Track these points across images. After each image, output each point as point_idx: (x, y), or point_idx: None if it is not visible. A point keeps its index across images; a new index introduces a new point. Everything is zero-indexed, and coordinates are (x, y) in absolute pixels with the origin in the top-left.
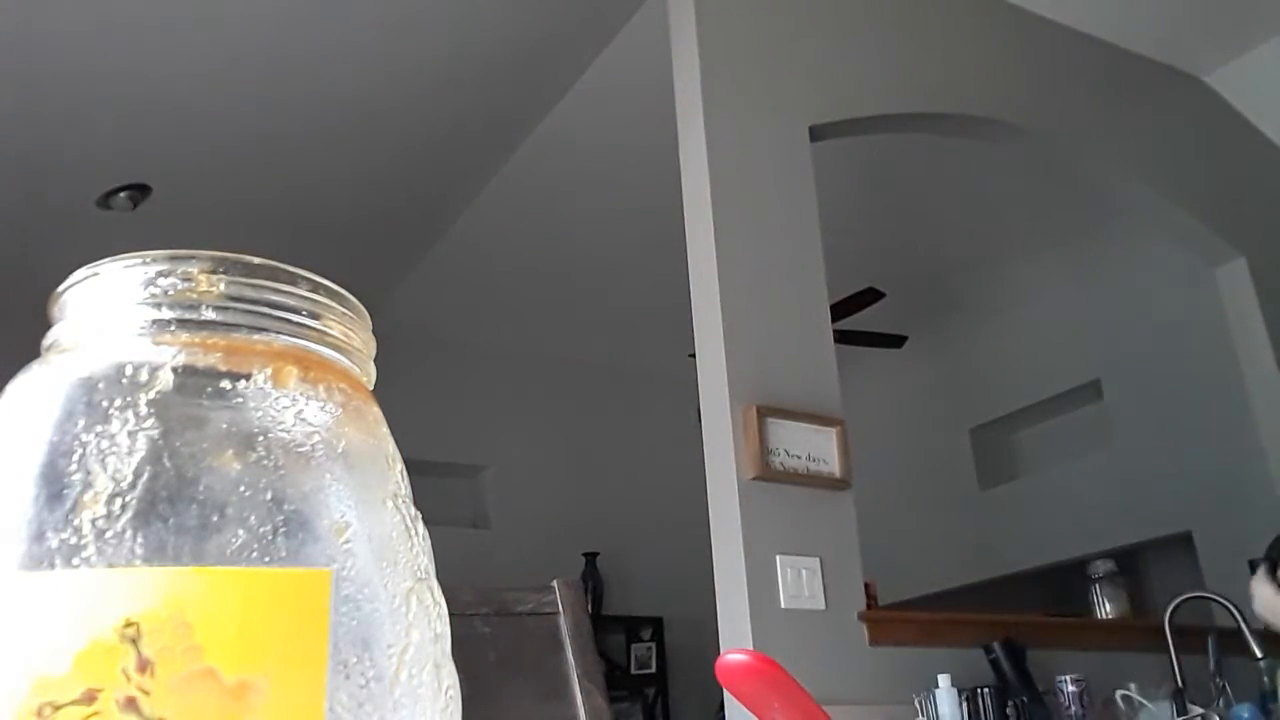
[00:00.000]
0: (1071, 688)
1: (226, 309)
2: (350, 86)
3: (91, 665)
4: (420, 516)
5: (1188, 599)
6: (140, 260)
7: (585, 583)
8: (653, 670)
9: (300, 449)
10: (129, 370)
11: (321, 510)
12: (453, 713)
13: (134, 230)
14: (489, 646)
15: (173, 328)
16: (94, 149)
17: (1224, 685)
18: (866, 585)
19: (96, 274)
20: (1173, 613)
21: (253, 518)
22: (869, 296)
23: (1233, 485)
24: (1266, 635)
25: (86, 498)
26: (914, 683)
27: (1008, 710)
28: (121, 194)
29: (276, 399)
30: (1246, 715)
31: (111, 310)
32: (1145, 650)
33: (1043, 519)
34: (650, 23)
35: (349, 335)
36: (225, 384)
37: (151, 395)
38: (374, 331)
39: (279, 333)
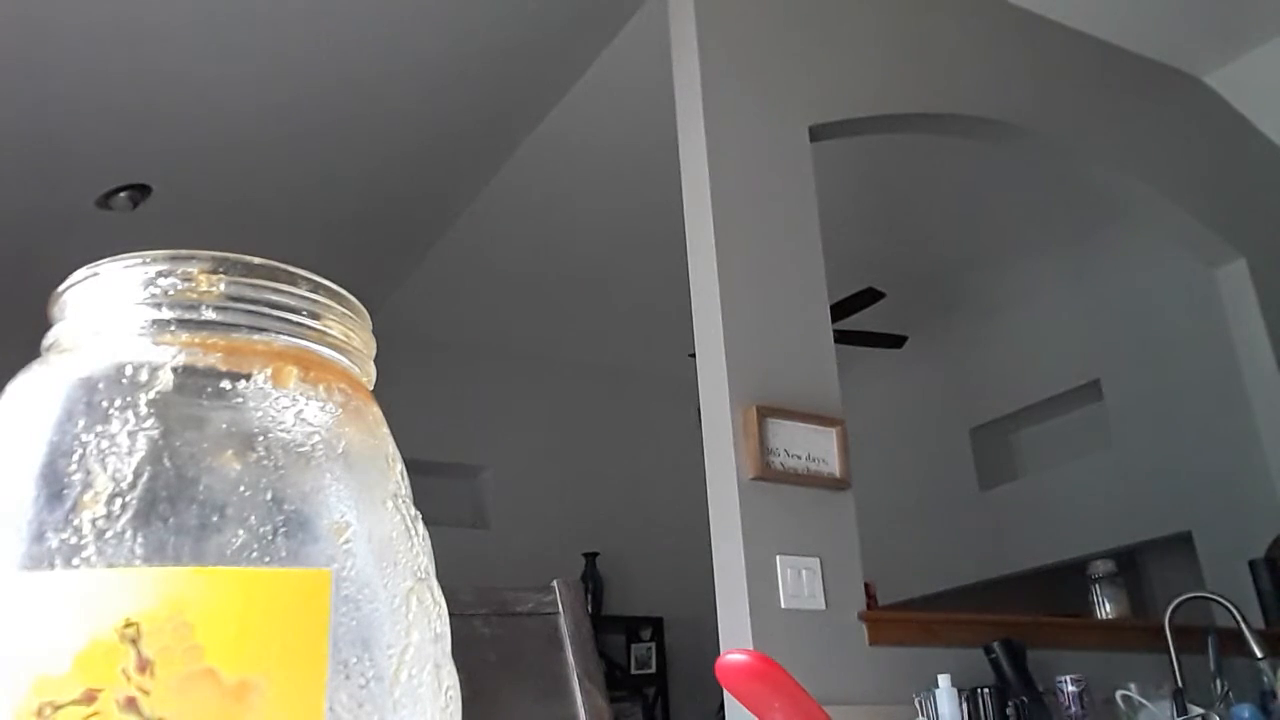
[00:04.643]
0: (1071, 688)
1: (226, 309)
2: (350, 86)
3: (91, 665)
4: (420, 516)
5: (1188, 599)
6: (140, 260)
7: (585, 583)
8: (653, 670)
9: (300, 449)
10: (129, 370)
11: (321, 510)
12: (453, 713)
13: (134, 230)
14: (489, 646)
15: (173, 328)
16: (94, 149)
17: (1225, 685)
18: (866, 585)
19: (96, 274)
20: (1173, 613)
21: (253, 518)
22: (869, 296)
23: (1233, 485)
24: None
25: (86, 498)
26: (914, 683)
27: (1008, 710)
28: (121, 194)
29: (276, 399)
30: (1246, 715)
31: (111, 310)
32: (1145, 650)
33: (1043, 519)
34: (650, 23)
35: (349, 335)
36: (225, 384)
37: (151, 395)
38: (374, 331)
39: (279, 333)
